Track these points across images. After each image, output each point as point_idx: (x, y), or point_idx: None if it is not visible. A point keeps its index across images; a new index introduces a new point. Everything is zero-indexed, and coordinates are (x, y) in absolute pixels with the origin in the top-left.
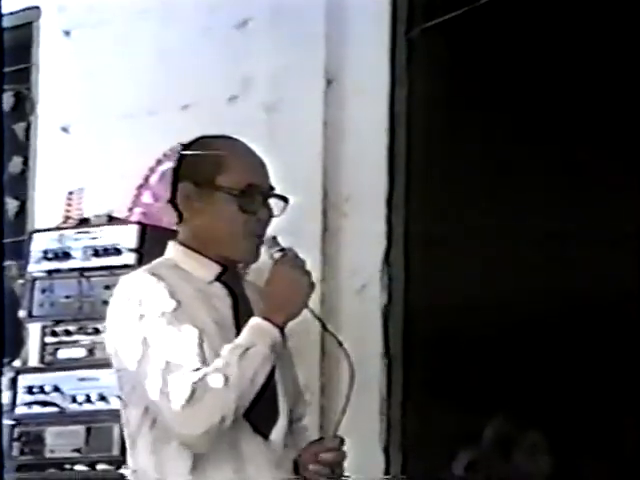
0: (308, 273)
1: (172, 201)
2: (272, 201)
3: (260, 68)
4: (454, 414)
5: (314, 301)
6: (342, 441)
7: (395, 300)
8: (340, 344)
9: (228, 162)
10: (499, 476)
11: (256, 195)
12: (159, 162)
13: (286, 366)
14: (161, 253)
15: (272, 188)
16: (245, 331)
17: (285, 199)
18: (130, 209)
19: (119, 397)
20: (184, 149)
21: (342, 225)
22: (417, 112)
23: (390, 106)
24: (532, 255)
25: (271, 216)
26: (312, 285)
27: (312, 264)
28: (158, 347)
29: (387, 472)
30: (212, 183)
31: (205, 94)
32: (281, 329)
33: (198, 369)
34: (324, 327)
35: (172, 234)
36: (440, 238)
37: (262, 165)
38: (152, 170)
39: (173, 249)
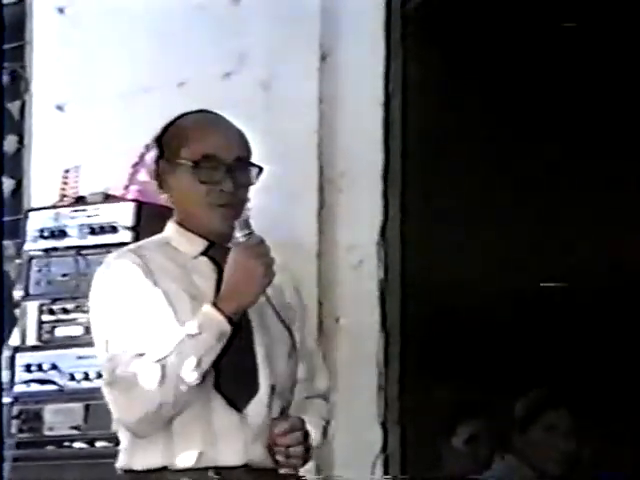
0: (268, 261)
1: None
2: (254, 171)
3: (255, 44)
4: (452, 388)
5: (311, 276)
6: (294, 423)
7: (392, 275)
8: (289, 330)
9: (190, 134)
10: (514, 448)
11: (216, 165)
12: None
13: (280, 342)
14: (158, 231)
15: (240, 159)
16: (195, 318)
17: (259, 167)
18: (126, 187)
19: (99, 373)
20: (167, 127)
21: (338, 201)
22: (412, 87)
23: (385, 81)
24: (531, 230)
25: (240, 186)
26: (270, 274)
27: (308, 240)
28: (114, 332)
29: (385, 446)
30: (176, 157)
31: (200, 71)
32: (230, 318)
33: (139, 356)
34: (279, 317)
35: (168, 212)
36: (437, 212)
37: (230, 135)
38: (148, 148)
39: (169, 227)
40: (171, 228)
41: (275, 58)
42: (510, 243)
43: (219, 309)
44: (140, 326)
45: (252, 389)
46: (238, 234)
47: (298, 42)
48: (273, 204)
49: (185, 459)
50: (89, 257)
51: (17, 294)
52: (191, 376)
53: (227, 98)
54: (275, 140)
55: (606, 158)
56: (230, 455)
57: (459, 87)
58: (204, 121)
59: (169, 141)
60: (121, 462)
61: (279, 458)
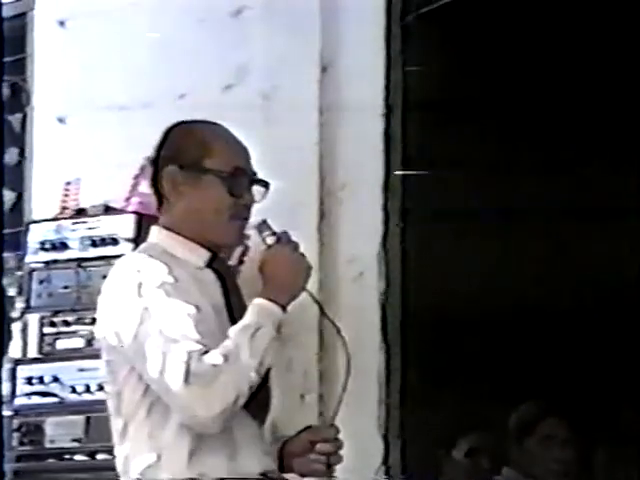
0: (304, 255)
1: (154, 186)
2: (254, 187)
3: (255, 56)
4: (453, 400)
5: (311, 289)
6: (338, 430)
7: (393, 287)
8: (338, 331)
9: (215, 145)
10: (512, 460)
11: (243, 178)
12: None
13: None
14: None
15: (255, 173)
16: (250, 312)
17: (267, 185)
18: (127, 199)
19: (100, 385)
20: (166, 135)
21: (339, 212)
22: (413, 98)
23: (385, 92)
24: (532, 240)
25: (253, 201)
26: (309, 267)
27: (309, 252)
28: (163, 322)
29: (386, 459)
30: (199, 166)
31: (201, 83)
32: (284, 308)
33: (208, 350)
34: (322, 311)
35: None
36: (437, 224)
37: (245, 149)
38: (149, 159)
39: (158, 234)
40: (162, 234)
41: (276, 70)
42: (511, 256)
43: (273, 301)
44: (197, 320)
45: (268, 402)
46: (263, 235)
47: (298, 53)
48: (273, 215)
49: (213, 470)
50: (90, 269)
51: (18, 306)
52: (260, 367)
53: (228, 110)
54: (275, 152)
55: (615, 171)
56: (251, 466)
57: (460, 98)
58: (223, 133)
59: (185, 149)
60: (141, 475)
61: (316, 466)
